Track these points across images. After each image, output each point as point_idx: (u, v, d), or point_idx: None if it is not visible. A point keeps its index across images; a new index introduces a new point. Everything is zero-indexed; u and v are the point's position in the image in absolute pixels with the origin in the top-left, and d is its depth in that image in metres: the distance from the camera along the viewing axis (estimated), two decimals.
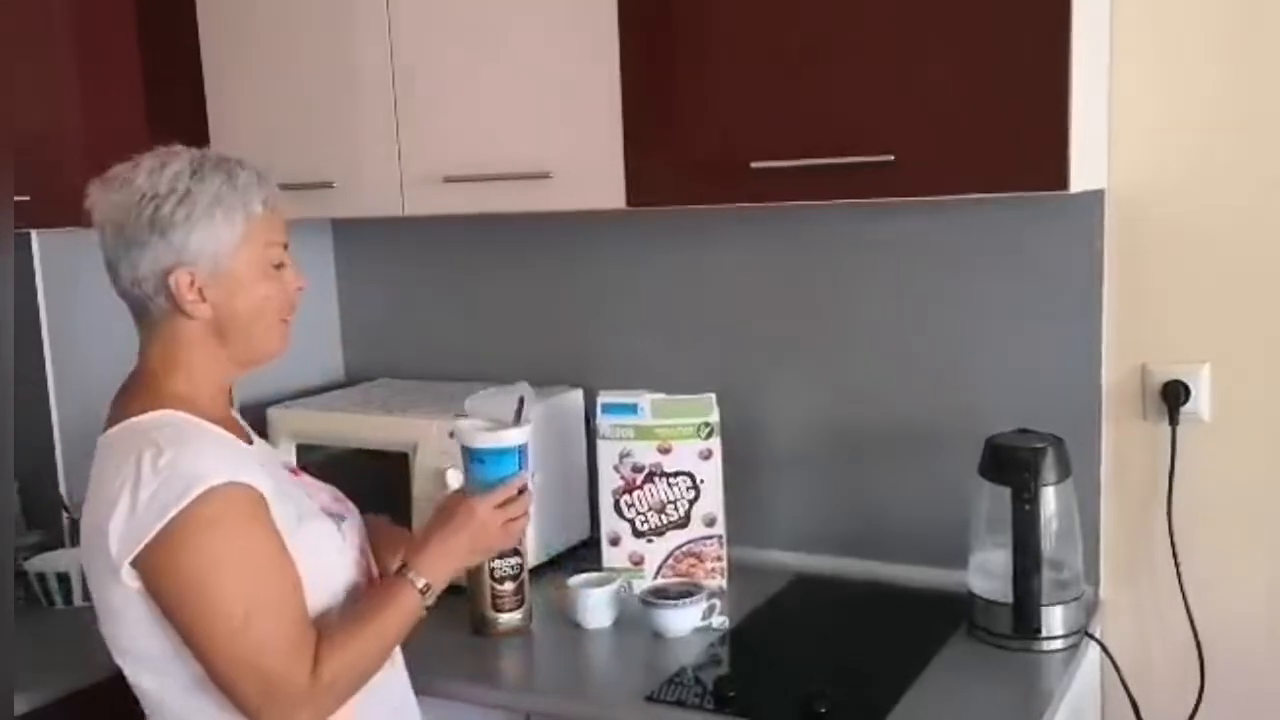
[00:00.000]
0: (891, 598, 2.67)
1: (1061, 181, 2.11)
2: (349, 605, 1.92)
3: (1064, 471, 2.36)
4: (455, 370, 3.22)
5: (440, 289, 3.26)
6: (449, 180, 2.61)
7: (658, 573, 2.64)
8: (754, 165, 2.30)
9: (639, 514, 2.64)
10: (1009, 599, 2.32)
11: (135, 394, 1.87)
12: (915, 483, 2.71)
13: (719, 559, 2.65)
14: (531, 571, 2.56)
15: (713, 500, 2.63)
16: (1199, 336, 2.47)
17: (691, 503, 2.63)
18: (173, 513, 1.69)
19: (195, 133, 2.78)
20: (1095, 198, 2.45)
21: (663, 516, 2.64)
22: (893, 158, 2.18)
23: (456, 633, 2.48)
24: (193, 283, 1.82)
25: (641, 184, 2.44)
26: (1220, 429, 2.48)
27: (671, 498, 2.63)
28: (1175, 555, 2.49)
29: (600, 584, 2.54)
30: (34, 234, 2.97)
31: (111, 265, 1.86)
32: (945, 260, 2.63)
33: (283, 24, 2.78)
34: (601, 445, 2.66)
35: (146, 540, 1.69)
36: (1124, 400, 2.54)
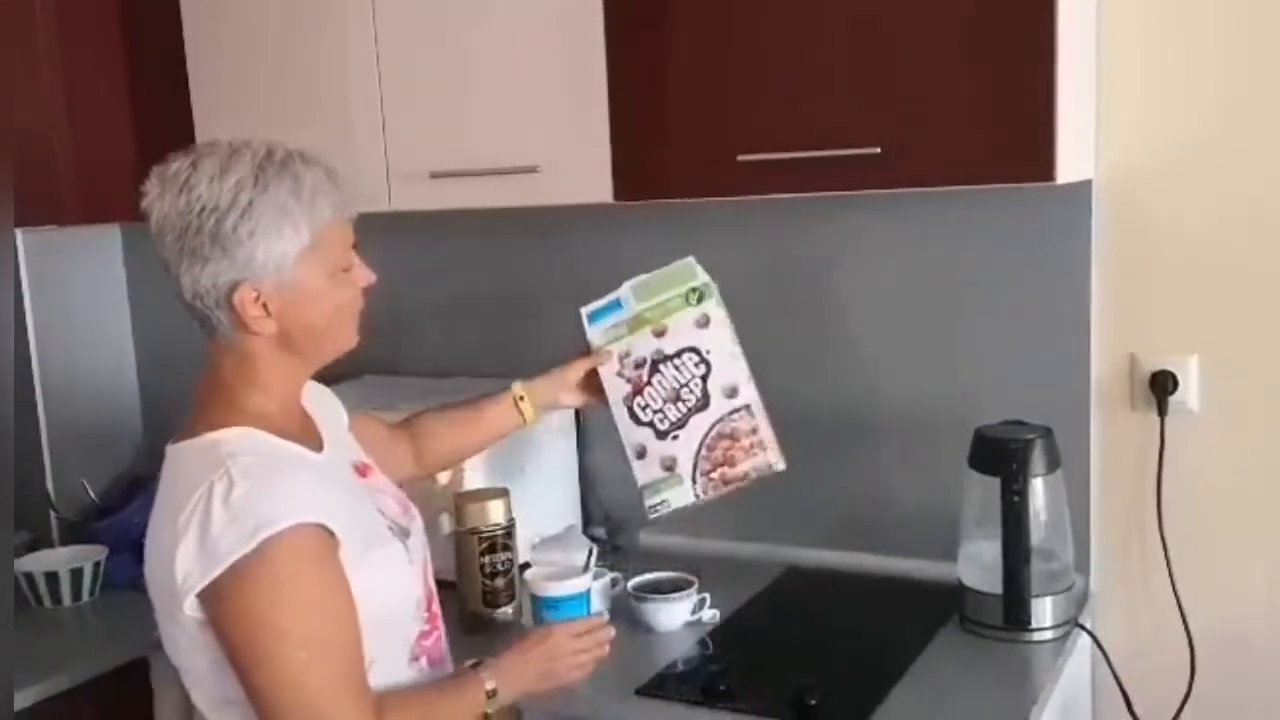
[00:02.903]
0: (882, 590, 2.67)
1: (1048, 173, 2.11)
2: (413, 623, 1.92)
3: (1053, 462, 2.36)
4: (442, 366, 3.22)
5: (427, 285, 3.25)
6: (435, 175, 2.61)
7: (694, 473, 2.27)
8: (741, 158, 2.30)
9: (655, 412, 2.29)
10: (999, 590, 2.33)
11: (212, 405, 1.81)
12: (905, 475, 2.71)
13: (754, 432, 2.26)
14: (521, 567, 2.56)
15: (725, 369, 2.26)
16: (1187, 327, 2.47)
17: (704, 379, 2.27)
18: (240, 554, 1.64)
19: (180, 131, 2.78)
20: (1084, 188, 2.45)
21: (680, 405, 2.28)
22: (879, 150, 2.19)
23: (448, 629, 2.47)
24: (258, 298, 1.75)
25: (628, 178, 2.44)
26: (1209, 419, 2.48)
27: (682, 380, 2.28)
28: (1165, 545, 2.50)
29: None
30: (19, 233, 2.97)
31: (170, 272, 1.77)
32: (933, 251, 2.63)
33: (267, 22, 2.77)
34: (599, 357, 2.34)
35: (211, 578, 1.65)
36: (1113, 391, 2.55)
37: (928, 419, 2.66)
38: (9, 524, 2.61)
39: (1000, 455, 2.33)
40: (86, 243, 2.63)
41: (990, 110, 2.14)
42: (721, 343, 2.27)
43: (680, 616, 2.47)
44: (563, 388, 2.31)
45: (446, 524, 2.57)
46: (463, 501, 2.49)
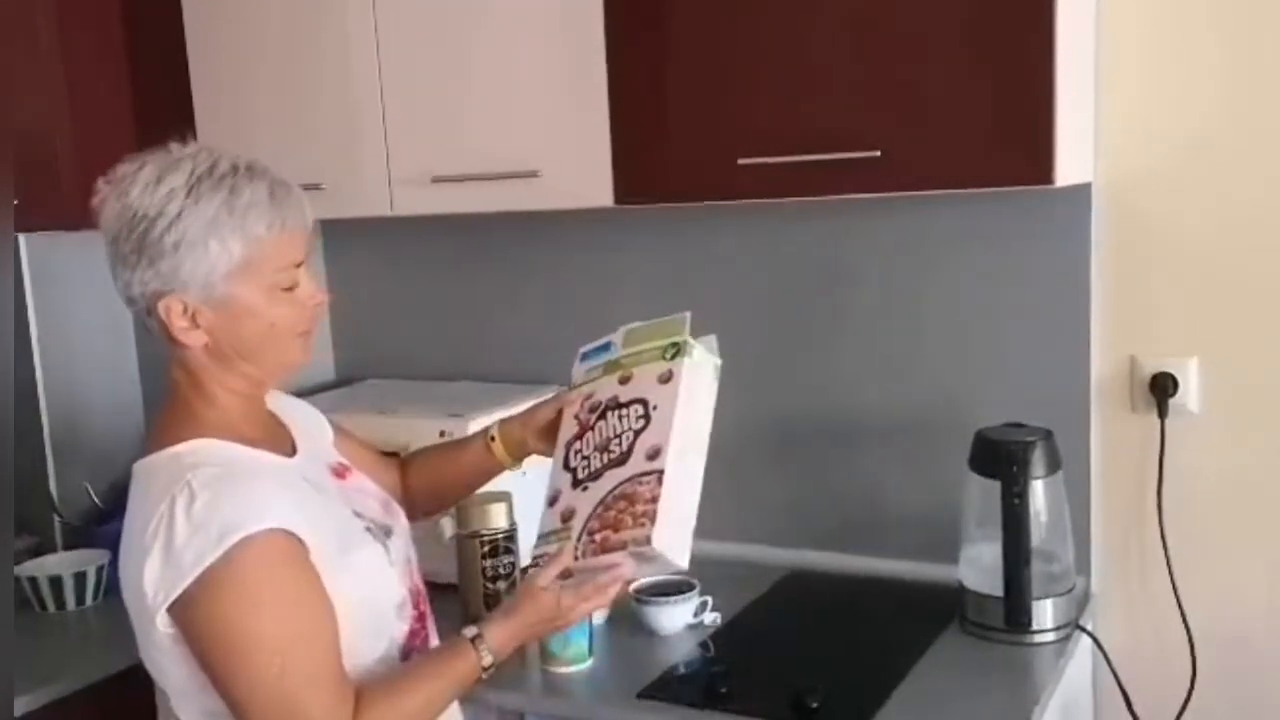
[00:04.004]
0: (883, 592, 2.68)
1: (1047, 176, 2.12)
2: (397, 623, 1.89)
3: (1053, 464, 2.37)
4: (445, 370, 3.22)
5: (430, 289, 3.26)
6: (437, 180, 2.61)
7: (583, 530, 1.93)
8: (741, 162, 2.30)
9: (583, 459, 2.02)
10: (1000, 592, 2.33)
11: (171, 419, 1.81)
12: (906, 477, 2.71)
13: (652, 500, 1.87)
14: (523, 570, 2.56)
15: (659, 429, 1.94)
16: (1187, 329, 2.48)
17: (638, 434, 1.96)
18: (205, 564, 1.63)
19: (182, 138, 2.78)
20: (1083, 190, 2.45)
21: (604, 456, 1.98)
22: (879, 153, 2.19)
23: (448, 633, 2.48)
24: (185, 310, 1.73)
25: (629, 182, 2.44)
26: (1209, 421, 2.48)
27: (619, 430, 1.99)
28: (1166, 547, 2.50)
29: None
30: (22, 238, 2.97)
31: (113, 277, 1.76)
32: (933, 254, 2.63)
33: (269, 28, 2.78)
34: (571, 396, 2.14)
35: (180, 590, 1.64)
36: (1113, 393, 2.55)
37: (928, 421, 2.66)
38: (9, 525, 2.62)
39: (1001, 457, 2.33)
40: (89, 246, 2.60)
41: (990, 113, 2.14)
42: (671, 403, 1.97)
43: (682, 619, 2.47)
44: (530, 428, 2.13)
45: (448, 527, 2.58)
46: (465, 505, 2.49)
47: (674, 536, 1.87)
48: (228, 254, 1.71)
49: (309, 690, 1.69)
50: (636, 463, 1.92)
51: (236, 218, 1.70)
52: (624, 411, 2.00)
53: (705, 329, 2.73)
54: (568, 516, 1.97)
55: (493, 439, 2.15)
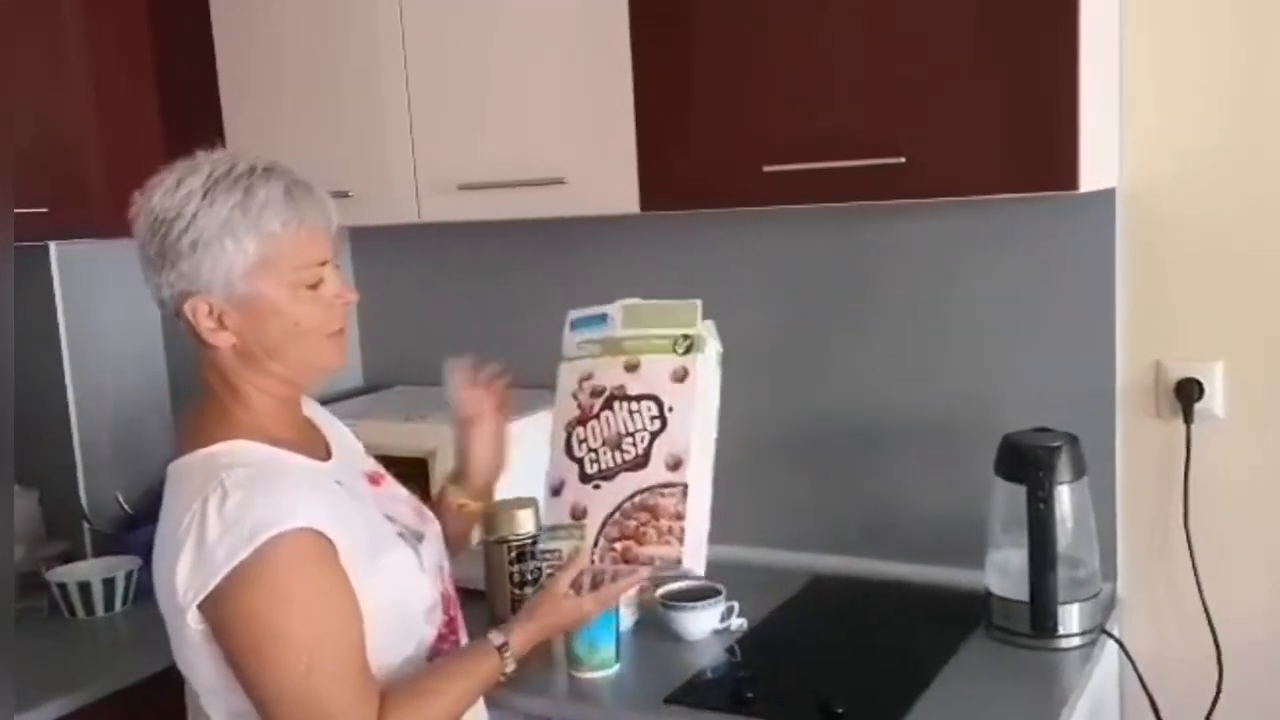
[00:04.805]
0: (909, 597, 2.68)
1: (1072, 181, 2.12)
2: (426, 628, 1.90)
3: (1079, 469, 2.36)
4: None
5: (457, 295, 3.27)
6: (464, 188, 2.63)
7: (599, 534, 1.94)
8: (766, 169, 2.31)
9: (590, 450, 1.98)
10: (1026, 597, 2.33)
11: (205, 420, 1.83)
12: (932, 482, 2.71)
13: (678, 518, 1.89)
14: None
15: (679, 435, 1.92)
16: (1212, 333, 2.47)
17: (654, 436, 1.93)
18: (237, 560, 1.65)
19: (211, 148, 2.80)
20: (1107, 195, 2.45)
21: (618, 454, 1.95)
22: (904, 160, 2.19)
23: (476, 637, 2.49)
24: (211, 311, 1.76)
25: (655, 188, 2.45)
26: (1235, 426, 2.48)
27: (631, 429, 1.95)
28: (1192, 552, 2.49)
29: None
30: (52, 246, 2.99)
31: (146, 282, 1.81)
32: (958, 259, 2.64)
33: (296, 37, 2.80)
34: (563, 370, 2.08)
35: (211, 587, 1.66)
36: (1138, 398, 2.55)
37: (953, 426, 2.66)
38: (9, 525, 2.63)
39: (1026, 462, 2.33)
40: (119, 255, 2.63)
41: (1013, 120, 2.14)
42: (689, 406, 1.94)
43: (708, 625, 2.48)
44: (473, 474, 2.18)
45: (475, 533, 2.58)
46: (492, 511, 2.49)
47: (697, 551, 1.90)
48: (243, 253, 1.73)
49: (335, 689, 1.71)
50: (656, 471, 1.91)
51: (251, 216, 1.73)
52: (635, 406, 1.96)
53: (729, 333, 2.72)
54: (579, 514, 1.95)
55: (462, 506, 2.19)
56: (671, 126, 2.42)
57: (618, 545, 1.91)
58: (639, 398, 1.96)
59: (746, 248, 2.84)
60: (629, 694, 2.29)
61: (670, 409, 1.93)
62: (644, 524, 1.90)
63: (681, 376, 1.95)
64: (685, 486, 1.89)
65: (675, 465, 1.91)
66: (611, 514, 1.92)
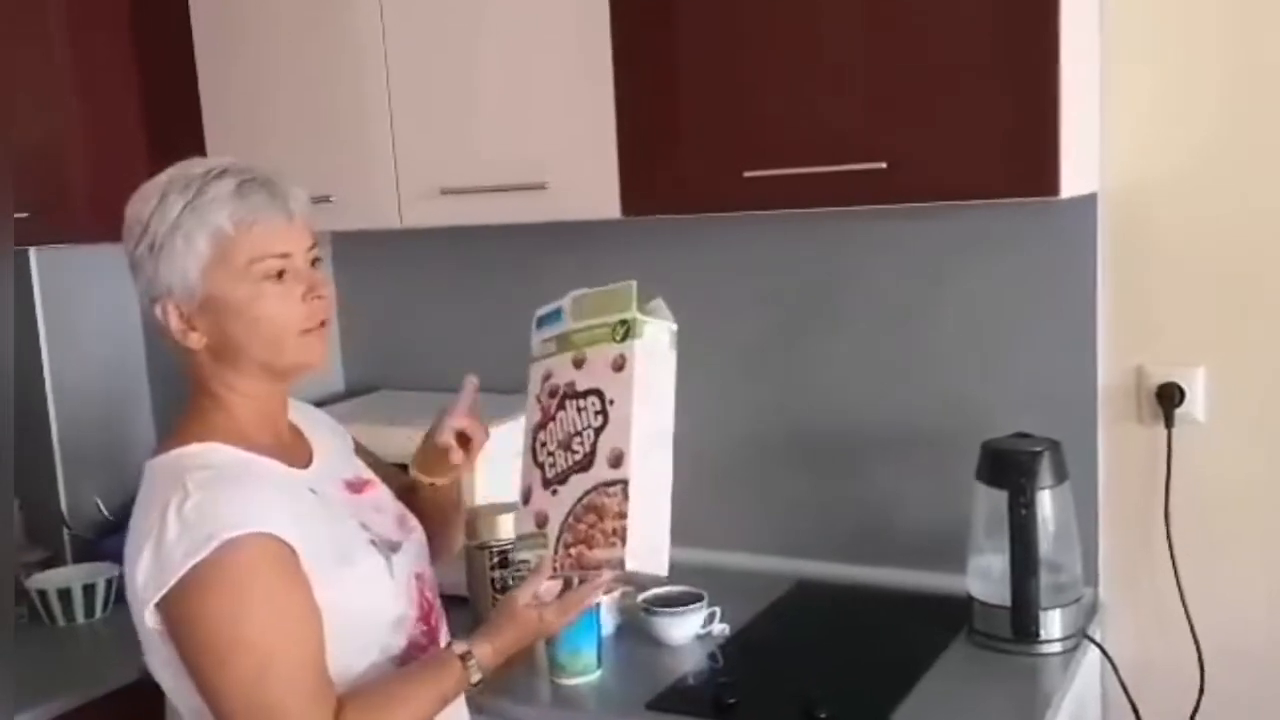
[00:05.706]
0: (891, 602, 2.68)
1: (1053, 187, 2.13)
2: (393, 638, 1.87)
3: (1061, 475, 2.37)
4: (455, 381, 3.20)
5: (439, 300, 3.27)
6: (446, 192, 2.62)
7: (558, 541, 1.83)
8: (747, 174, 2.31)
9: (549, 455, 1.88)
10: (1008, 603, 2.33)
11: (185, 420, 1.83)
12: (914, 487, 2.72)
13: (620, 517, 1.75)
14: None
15: (619, 430, 1.78)
16: (1193, 339, 2.48)
17: (598, 432, 1.80)
18: (193, 562, 1.64)
19: (193, 152, 2.79)
20: (1089, 201, 2.46)
21: (569, 455, 1.84)
22: (884, 165, 2.20)
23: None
24: (180, 314, 1.76)
25: (636, 194, 2.45)
26: (1216, 431, 2.48)
27: (579, 427, 1.84)
28: (1173, 557, 2.50)
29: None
30: (32, 251, 2.98)
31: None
32: (940, 264, 2.64)
33: (278, 42, 2.80)
34: (531, 371, 1.99)
35: (168, 587, 1.66)
36: (1119, 403, 2.55)
37: (935, 432, 2.67)
38: (10, 529, 2.63)
39: (1008, 468, 2.34)
40: (100, 260, 2.64)
41: (994, 126, 2.15)
42: (627, 398, 1.79)
43: (690, 630, 2.47)
44: (432, 451, 2.09)
45: (460, 539, 2.58)
46: (473, 516, 2.49)
47: (648, 551, 1.77)
48: (195, 251, 1.74)
49: (288, 696, 1.69)
50: (600, 470, 1.79)
51: (199, 215, 1.73)
52: (582, 404, 1.84)
53: (711, 338, 2.72)
54: (542, 522, 1.86)
55: (434, 485, 2.10)
56: (653, 132, 2.42)
57: (573, 551, 1.81)
58: (585, 394, 1.84)
59: (729, 252, 2.84)
60: (611, 700, 2.29)
61: (611, 402, 1.80)
62: (591, 527, 1.79)
63: (620, 365, 1.81)
64: (625, 483, 1.76)
65: (616, 461, 1.78)
66: (565, 519, 1.82)
